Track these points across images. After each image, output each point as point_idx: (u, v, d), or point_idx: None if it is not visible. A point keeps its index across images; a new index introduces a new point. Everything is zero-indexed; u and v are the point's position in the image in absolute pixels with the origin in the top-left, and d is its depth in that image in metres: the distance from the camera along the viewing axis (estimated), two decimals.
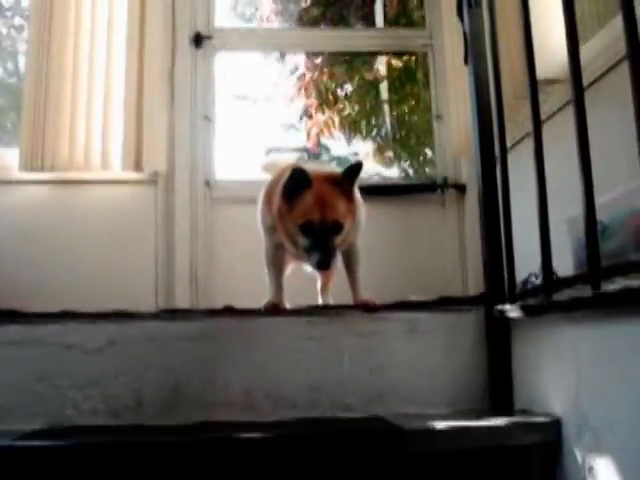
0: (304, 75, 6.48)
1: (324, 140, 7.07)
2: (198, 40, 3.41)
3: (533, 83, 1.69)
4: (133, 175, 3.21)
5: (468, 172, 3.15)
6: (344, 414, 1.85)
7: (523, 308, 1.73)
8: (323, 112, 7.08)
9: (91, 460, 1.57)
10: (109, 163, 3.13)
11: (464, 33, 2.14)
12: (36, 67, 3.16)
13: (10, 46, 5.45)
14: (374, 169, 7.06)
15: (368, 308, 1.96)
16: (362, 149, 7.23)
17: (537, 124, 1.67)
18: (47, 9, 3.16)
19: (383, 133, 7.09)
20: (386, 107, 6.72)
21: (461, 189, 3.33)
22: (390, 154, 6.72)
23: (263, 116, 6.22)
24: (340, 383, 1.89)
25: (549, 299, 1.60)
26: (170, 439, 1.65)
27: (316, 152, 7.53)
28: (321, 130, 7.40)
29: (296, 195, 1.84)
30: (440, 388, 1.92)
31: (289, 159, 2.47)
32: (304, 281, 2.37)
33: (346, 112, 7.08)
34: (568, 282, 1.55)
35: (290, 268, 2.23)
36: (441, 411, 1.86)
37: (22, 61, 3.64)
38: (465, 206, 3.30)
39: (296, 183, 1.83)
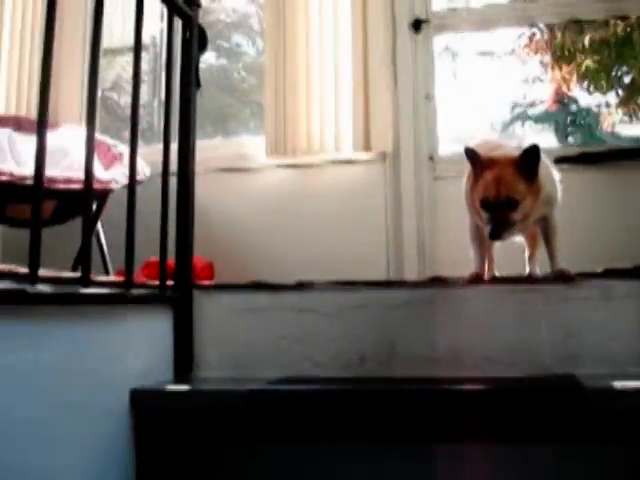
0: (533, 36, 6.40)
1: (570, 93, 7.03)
2: (417, 25, 3.65)
3: None
4: (363, 155, 3.55)
5: None
6: (540, 372, 2.07)
7: None
8: (560, 68, 7.01)
9: (324, 404, 1.96)
10: (341, 145, 3.52)
11: None
12: (274, 62, 3.62)
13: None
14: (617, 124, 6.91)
15: (564, 277, 2.15)
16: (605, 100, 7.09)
17: None
18: (281, 15, 3.60)
19: (625, 85, 6.86)
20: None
21: None
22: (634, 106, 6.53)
23: (499, 77, 6.30)
24: (537, 345, 2.10)
25: None
26: (389, 387, 2.00)
27: (557, 108, 7.48)
28: (559, 86, 7.33)
29: (481, 172, 2.08)
30: (633, 351, 2.06)
31: (499, 140, 2.61)
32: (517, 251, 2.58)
33: (584, 66, 6.95)
34: None
35: (494, 243, 2.45)
36: (632, 372, 2.01)
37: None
38: None
39: (480, 165, 2.09)
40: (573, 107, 7.17)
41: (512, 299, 2.15)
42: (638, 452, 1.92)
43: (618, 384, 1.81)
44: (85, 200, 1.95)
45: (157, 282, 2.22)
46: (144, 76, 5.88)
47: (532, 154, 2.02)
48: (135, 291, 2.03)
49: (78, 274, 1.83)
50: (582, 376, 1.94)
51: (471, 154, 2.09)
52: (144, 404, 1.98)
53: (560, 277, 2.16)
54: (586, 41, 6.63)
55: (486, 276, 2.32)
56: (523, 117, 7.48)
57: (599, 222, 3.25)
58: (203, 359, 2.26)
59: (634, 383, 1.84)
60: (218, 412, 2.00)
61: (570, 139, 7.37)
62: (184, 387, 2.10)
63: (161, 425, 2.01)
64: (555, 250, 2.23)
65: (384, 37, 3.61)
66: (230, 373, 2.21)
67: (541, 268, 2.42)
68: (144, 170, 3.05)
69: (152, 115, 5.21)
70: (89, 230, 1.87)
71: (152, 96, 5.56)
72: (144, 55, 5.84)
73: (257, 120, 5.75)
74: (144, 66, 5.84)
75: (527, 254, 2.54)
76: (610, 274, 2.14)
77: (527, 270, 2.53)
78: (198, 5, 2.48)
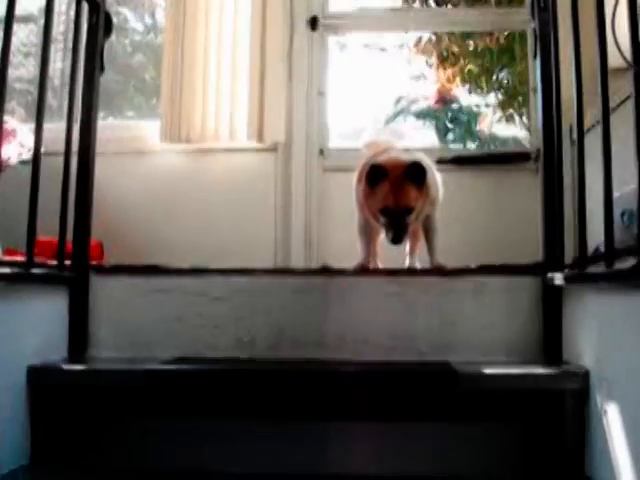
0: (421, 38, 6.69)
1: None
2: (314, 23, 3.79)
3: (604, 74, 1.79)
4: (256, 144, 3.67)
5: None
6: (417, 358, 2.26)
7: (565, 278, 2.07)
8: (445, 69, 7.37)
9: (216, 382, 2.08)
10: (235, 134, 3.62)
11: (534, 30, 2.44)
12: (172, 49, 3.69)
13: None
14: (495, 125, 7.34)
15: (441, 271, 2.35)
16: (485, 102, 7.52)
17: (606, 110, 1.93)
18: (181, 1, 3.64)
19: (504, 90, 7.28)
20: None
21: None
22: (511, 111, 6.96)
23: (387, 73, 6.56)
24: (415, 333, 2.29)
25: (581, 271, 1.93)
26: (277, 367, 2.15)
27: (438, 106, 7.84)
28: (442, 86, 7.70)
29: (376, 184, 2.26)
30: (501, 340, 2.28)
31: (386, 140, 2.80)
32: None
33: (466, 69, 7.33)
34: (594, 259, 1.87)
35: (379, 237, 2.64)
36: (501, 359, 2.24)
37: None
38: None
39: (375, 175, 2.25)
40: (454, 106, 7.57)
41: (394, 289, 2.33)
42: (505, 429, 2.14)
43: (487, 370, 2.02)
44: None
45: (55, 262, 2.26)
46: (32, 48, 5.74)
47: (418, 167, 2.22)
48: (34, 270, 2.07)
49: None
50: (456, 362, 2.15)
51: (374, 169, 2.25)
52: (40, 381, 2.04)
53: (437, 270, 2.36)
54: (470, 47, 7.00)
55: (371, 267, 2.49)
56: (406, 112, 7.81)
57: (475, 220, 3.50)
58: (99, 339, 2.33)
59: (501, 369, 2.06)
60: (115, 390, 2.09)
61: (450, 136, 7.77)
62: (80, 366, 2.17)
63: (57, 402, 2.07)
64: (434, 246, 2.44)
65: (282, 32, 3.73)
66: (125, 353, 2.29)
67: (421, 263, 2.62)
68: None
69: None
70: None
71: None
72: (33, 27, 5.72)
73: (144, 97, 5.76)
74: (33, 38, 5.70)
75: (408, 248, 2.73)
76: (482, 270, 2.36)
77: (407, 263, 2.73)
78: None
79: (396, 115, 7.70)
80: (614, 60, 1.57)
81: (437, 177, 2.45)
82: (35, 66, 5.66)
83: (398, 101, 7.63)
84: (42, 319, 2.17)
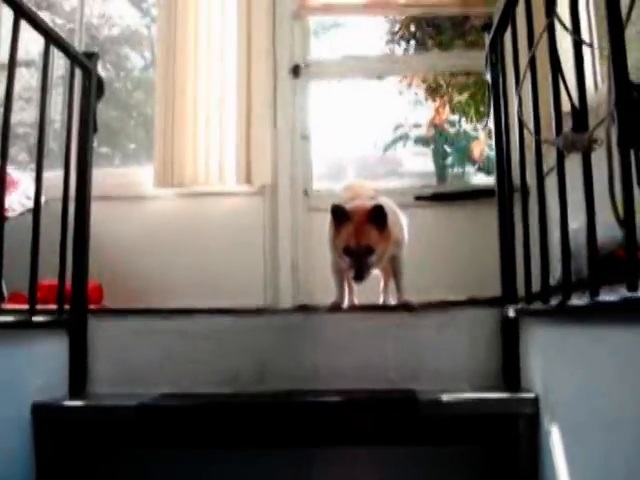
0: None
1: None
2: (296, 70, 4.03)
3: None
4: (244, 188, 3.88)
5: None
6: (387, 387, 2.47)
7: (516, 311, 2.29)
8: (434, 100, 7.63)
9: (203, 415, 2.29)
10: (225, 178, 3.83)
11: (487, 84, 2.67)
12: (164, 101, 3.89)
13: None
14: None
15: (407, 307, 2.57)
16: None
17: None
18: (171, 55, 3.89)
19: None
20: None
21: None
22: None
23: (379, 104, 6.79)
24: (384, 363, 2.50)
25: (527, 306, 2.15)
26: (259, 400, 2.36)
27: (433, 134, 8.10)
28: (434, 115, 7.98)
29: (340, 224, 2.47)
30: (463, 369, 2.49)
31: (362, 184, 3.01)
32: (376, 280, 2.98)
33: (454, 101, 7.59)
34: (538, 296, 2.08)
35: None
36: (463, 386, 2.44)
37: None
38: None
39: (339, 217, 2.47)
40: (451, 131, 7.85)
41: (365, 324, 2.55)
42: (466, 450, 2.34)
43: (446, 397, 2.22)
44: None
45: (55, 307, 2.48)
46: (31, 93, 5.98)
47: (379, 210, 2.43)
48: (37, 318, 2.29)
49: None
50: (420, 390, 2.36)
51: (334, 209, 2.47)
52: (44, 416, 2.26)
53: (404, 307, 2.58)
54: (455, 80, 7.26)
55: (345, 304, 2.71)
56: (405, 138, 8.08)
57: (446, 253, 3.71)
58: (96, 376, 2.54)
59: (460, 395, 2.26)
60: (110, 423, 2.31)
61: (448, 160, 8.03)
62: (79, 402, 2.38)
63: (59, 435, 2.28)
64: (401, 284, 2.66)
65: (266, 80, 3.95)
66: (120, 389, 2.51)
67: (394, 297, 2.84)
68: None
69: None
70: None
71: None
72: (33, 72, 5.97)
73: (143, 131, 6.00)
74: (34, 82, 5.95)
75: (382, 284, 2.95)
76: (447, 305, 2.58)
77: (382, 299, 2.94)
78: (97, 57, 2.76)
79: (394, 142, 7.97)
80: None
81: (402, 220, 2.67)
82: (37, 109, 5.90)
83: (397, 128, 7.91)
84: (45, 359, 2.39)
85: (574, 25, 1.63)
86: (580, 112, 1.58)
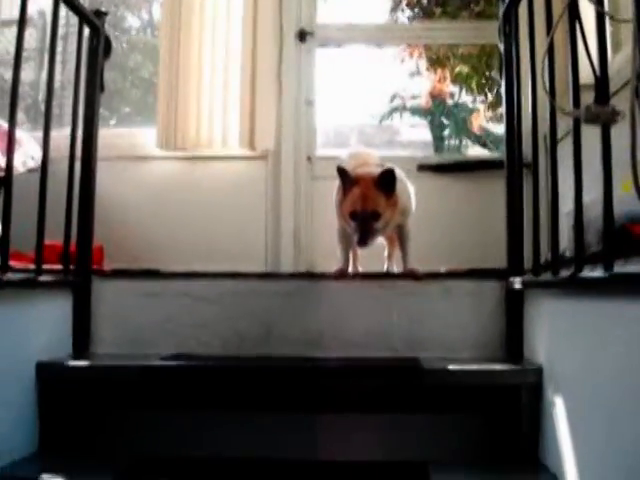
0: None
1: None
2: (302, 36, 3.99)
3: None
4: (247, 152, 3.87)
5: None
6: (391, 354, 2.48)
7: (523, 283, 2.29)
8: (435, 71, 7.59)
9: (206, 377, 2.30)
10: (228, 142, 3.82)
11: (499, 54, 2.65)
12: (168, 64, 3.86)
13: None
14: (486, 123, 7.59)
15: (414, 275, 2.57)
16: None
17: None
18: (175, 17, 3.85)
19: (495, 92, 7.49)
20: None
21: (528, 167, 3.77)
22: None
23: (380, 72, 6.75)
24: (389, 331, 2.51)
25: (535, 278, 2.15)
26: (264, 364, 2.37)
27: (431, 105, 8.08)
28: (434, 86, 7.96)
29: (348, 188, 2.46)
30: (467, 339, 2.50)
31: (368, 152, 2.99)
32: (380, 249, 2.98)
33: (456, 71, 7.54)
34: (548, 266, 2.08)
35: None
36: (466, 356, 2.46)
37: None
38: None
39: (345, 180, 2.47)
40: (450, 102, 7.82)
41: (370, 292, 2.56)
42: (469, 419, 2.35)
43: (450, 366, 2.23)
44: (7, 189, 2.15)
45: (60, 267, 2.47)
46: (32, 52, 5.90)
47: (389, 175, 2.42)
48: (42, 277, 2.28)
49: None
50: (424, 359, 2.37)
51: (341, 172, 2.46)
52: (47, 375, 2.26)
53: (410, 275, 2.58)
54: (458, 51, 7.21)
55: (350, 271, 2.71)
56: (401, 109, 8.05)
57: (454, 223, 3.71)
58: (100, 337, 2.55)
59: (464, 365, 2.28)
60: (113, 384, 2.31)
61: (446, 132, 8.01)
62: (82, 362, 2.39)
63: (62, 394, 2.29)
64: (407, 252, 2.65)
65: (272, 44, 3.92)
66: (124, 350, 2.52)
67: (399, 266, 2.84)
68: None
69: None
70: (7, 220, 2.09)
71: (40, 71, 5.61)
72: (32, 31, 5.88)
73: (141, 94, 5.94)
74: (31, 43, 5.86)
75: (386, 253, 2.95)
76: (451, 275, 2.58)
77: (385, 267, 2.95)
78: (105, 14, 2.72)
79: (391, 112, 7.94)
80: (585, 77, 1.74)
81: (409, 188, 2.66)
82: (34, 69, 5.83)
83: (393, 99, 7.87)
84: (49, 319, 2.39)
85: None
86: (602, 84, 1.56)
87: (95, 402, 2.33)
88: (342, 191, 2.50)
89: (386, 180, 2.42)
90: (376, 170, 2.48)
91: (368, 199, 2.41)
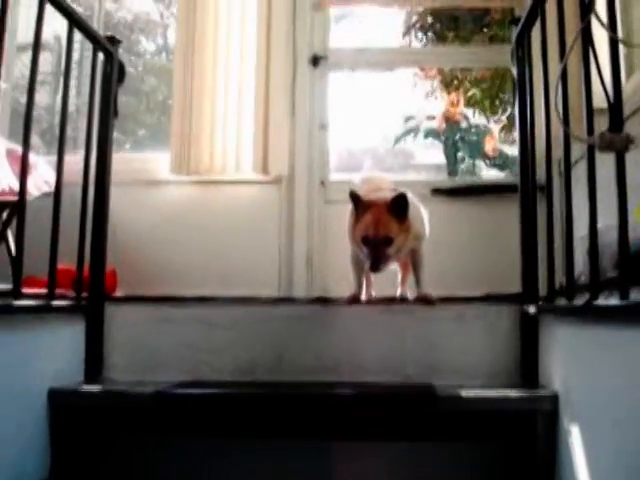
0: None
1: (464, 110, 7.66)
2: (315, 60, 4.01)
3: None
4: (261, 177, 3.87)
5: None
6: (404, 381, 2.46)
7: (538, 308, 2.27)
8: (449, 93, 7.59)
9: (219, 405, 2.29)
10: (241, 167, 3.82)
11: (512, 78, 2.65)
12: (182, 88, 3.88)
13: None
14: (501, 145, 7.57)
15: (427, 301, 2.56)
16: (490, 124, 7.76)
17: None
18: (190, 42, 3.87)
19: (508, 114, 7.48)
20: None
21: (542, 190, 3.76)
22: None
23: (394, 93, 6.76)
24: (403, 357, 2.50)
25: (550, 304, 2.13)
26: (277, 391, 2.35)
27: (445, 127, 8.07)
28: (448, 109, 7.95)
29: (359, 215, 2.46)
30: (481, 365, 2.48)
31: (381, 176, 2.99)
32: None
33: (469, 94, 7.55)
34: (561, 294, 2.06)
35: None
36: (481, 382, 2.43)
37: None
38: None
39: (358, 205, 2.46)
40: (463, 124, 7.81)
41: (384, 317, 2.55)
42: (483, 447, 2.33)
43: (464, 392, 2.21)
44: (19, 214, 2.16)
45: (73, 293, 2.48)
46: (48, 77, 5.96)
47: (401, 200, 2.41)
48: (55, 303, 2.28)
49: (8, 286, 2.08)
50: (438, 385, 2.34)
51: (354, 198, 2.45)
52: (60, 402, 2.25)
53: (423, 300, 2.56)
54: (471, 74, 7.23)
55: (363, 296, 2.69)
56: (415, 131, 8.04)
57: (467, 247, 3.70)
58: (112, 363, 2.55)
59: (478, 391, 2.25)
60: (126, 410, 2.30)
61: (459, 154, 8.00)
62: (95, 388, 2.38)
63: (74, 421, 2.28)
64: (421, 277, 2.63)
65: (285, 68, 3.93)
66: (136, 377, 2.51)
67: (413, 291, 2.82)
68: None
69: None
70: (20, 245, 2.10)
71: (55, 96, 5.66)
72: (47, 56, 5.94)
73: (155, 117, 5.97)
74: (47, 67, 5.92)
75: (399, 278, 2.93)
76: (464, 300, 2.56)
77: (399, 293, 2.93)
78: (119, 42, 2.75)
79: (404, 135, 7.94)
80: (599, 101, 1.73)
81: (423, 213, 2.65)
82: (50, 93, 5.89)
83: (407, 120, 7.88)
84: (61, 345, 2.39)
85: (611, 23, 1.60)
86: (616, 110, 1.55)
87: (107, 429, 2.33)
88: (355, 216, 2.49)
89: (398, 205, 2.41)
90: (389, 195, 2.47)
91: (380, 224, 2.40)
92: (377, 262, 2.38)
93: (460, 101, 7.74)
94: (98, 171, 2.67)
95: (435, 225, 2.76)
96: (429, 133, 8.08)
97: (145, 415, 2.30)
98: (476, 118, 7.94)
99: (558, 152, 2.10)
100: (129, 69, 6.24)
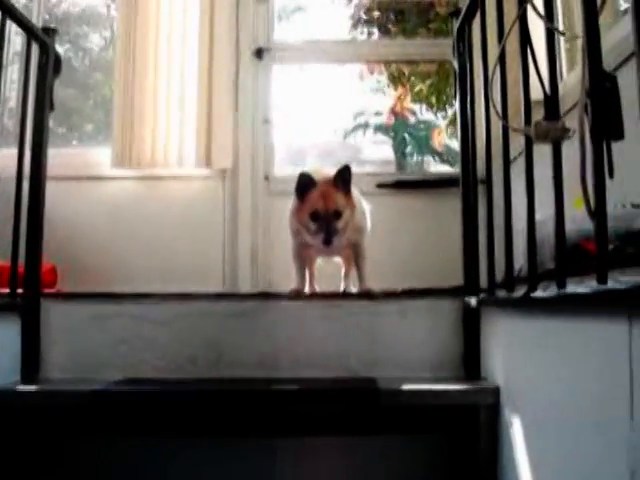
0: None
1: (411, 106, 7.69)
2: (259, 53, 3.97)
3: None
4: (204, 171, 3.84)
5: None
6: (348, 375, 2.44)
7: (479, 301, 2.28)
8: (395, 88, 7.62)
9: (157, 402, 2.23)
10: (184, 161, 3.77)
11: (454, 71, 2.65)
12: (123, 82, 3.81)
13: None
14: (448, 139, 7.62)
15: (369, 295, 2.54)
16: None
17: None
18: (131, 35, 3.80)
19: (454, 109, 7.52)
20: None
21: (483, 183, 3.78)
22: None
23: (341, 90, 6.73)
24: (346, 352, 2.47)
25: (490, 296, 2.13)
26: (217, 387, 2.31)
27: (393, 122, 8.10)
28: (395, 104, 7.98)
29: (305, 194, 2.46)
30: (424, 358, 2.47)
31: (321, 170, 2.97)
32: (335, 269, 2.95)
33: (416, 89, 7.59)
34: (502, 286, 2.06)
35: (315, 262, 2.81)
36: (424, 375, 2.43)
37: None
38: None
39: (304, 185, 2.47)
40: (411, 120, 7.85)
41: (327, 312, 2.51)
42: (426, 440, 2.33)
43: (407, 386, 2.20)
44: None
45: (7, 290, 2.40)
46: None
47: (345, 171, 2.46)
48: None
49: None
50: (381, 379, 2.33)
51: (304, 177, 2.47)
52: None
53: (366, 295, 2.55)
54: (418, 68, 7.25)
55: (306, 290, 2.67)
56: (364, 126, 8.06)
57: (407, 242, 3.70)
58: (50, 362, 2.47)
59: (421, 385, 2.25)
60: (63, 410, 2.24)
61: (408, 149, 8.04)
62: (31, 387, 2.31)
63: (11, 422, 2.21)
64: (363, 272, 2.62)
65: (229, 61, 3.89)
66: (75, 375, 2.44)
67: (355, 285, 2.81)
68: None
69: None
70: None
71: None
72: None
73: (100, 112, 5.86)
74: None
75: (343, 273, 2.92)
76: (407, 294, 2.55)
77: (342, 287, 2.91)
78: (55, 32, 2.67)
79: (353, 130, 7.94)
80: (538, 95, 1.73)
81: (365, 207, 2.64)
82: None
83: (357, 116, 7.88)
84: None
85: (548, 13, 1.60)
86: (552, 100, 1.55)
87: (45, 430, 2.26)
88: (299, 199, 2.47)
89: (343, 177, 2.46)
90: (327, 173, 2.49)
91: (329, 198, 2.44)
92: (328, 235, 2.39)
93: (407, 96, 7.79)
94: (33, 165, 2.59)
95: (380, 219, 2.76)
96: (378, 128, 8.12)
97: (83, 414, 2.24)
98: (424, 114, 8.01)
99: (500, 145, 2.10)
100: (76, 64, 6.13)
